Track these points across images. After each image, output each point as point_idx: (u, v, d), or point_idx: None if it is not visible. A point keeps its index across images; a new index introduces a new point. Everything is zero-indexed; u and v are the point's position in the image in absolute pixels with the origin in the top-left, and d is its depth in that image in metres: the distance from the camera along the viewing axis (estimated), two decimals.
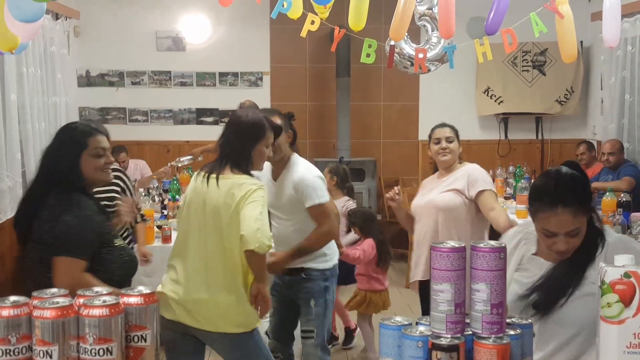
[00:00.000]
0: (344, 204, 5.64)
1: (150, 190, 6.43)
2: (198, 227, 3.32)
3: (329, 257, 3.98)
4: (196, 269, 3.29)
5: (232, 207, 3.21)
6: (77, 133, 3.04)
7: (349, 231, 5.53)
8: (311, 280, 3.89)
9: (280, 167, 3.88)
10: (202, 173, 3.41)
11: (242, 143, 3.36)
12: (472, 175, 4.11)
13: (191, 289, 3.27)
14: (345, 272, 5.15)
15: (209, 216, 3.29)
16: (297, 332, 4.14)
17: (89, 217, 2.92)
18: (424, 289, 4.17)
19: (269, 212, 3.60)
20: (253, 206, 3.17)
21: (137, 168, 7.80)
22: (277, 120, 3.73)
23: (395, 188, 4.23)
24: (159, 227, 5.32)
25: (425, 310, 4.05)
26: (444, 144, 4.19)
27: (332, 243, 4.02)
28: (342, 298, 5.58)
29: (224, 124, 3.59)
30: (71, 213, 2.86)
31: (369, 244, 5.14)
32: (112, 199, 3.94)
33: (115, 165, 4.38)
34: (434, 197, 4.19)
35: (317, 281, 3.90)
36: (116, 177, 4.07)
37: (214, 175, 3.32)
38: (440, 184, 4.23)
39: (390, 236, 7.32)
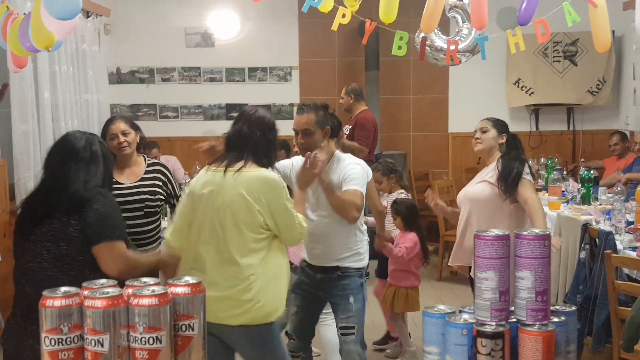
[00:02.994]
0: (397, 196, 5.48)
1: (182, 185, 6.48)
2: (212, 221, 3.24)
3: (363, 256, 3.98)
4: (214, 263, 3.23)
5: (262, 201, 3.19)
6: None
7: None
8: (348, 277, 3.87)
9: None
10: (217, 166, 3.30)
11: (267, 137, 3.34)
12: (499, 165, 4.12)
13: (209, 283, 3.24)
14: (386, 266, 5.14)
15: (227, 210, 3.21)
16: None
17: (114, 202, 3.05)
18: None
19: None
20: (289, 203, 3.23)
21: (169, 164, 7.80)
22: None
23: (429, 191, 4.35)
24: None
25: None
26: (477, 134, 4.25)
27: (366, 245, 4.03)
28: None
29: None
30: (98, 202, 2.91)
31: (412, 240, 5.01)
32: (155, 192, 3.99)
33: (157, 160, 4.45)
34: (469, 188, 4.25)
35: (353, 278, 3.88)
36: (158, 170, 4.09)
37: (235, 169, 3.24)
38: (479, 175, 4.28)
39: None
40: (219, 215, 3.21)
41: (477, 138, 4.24)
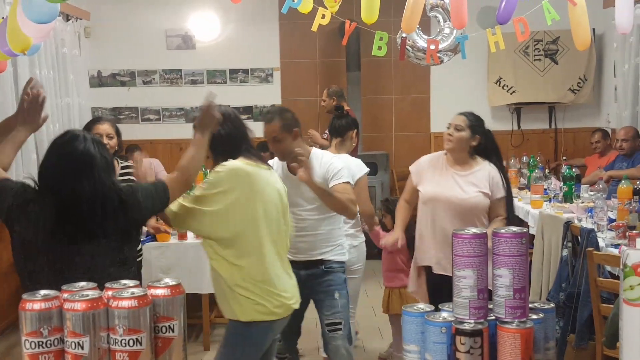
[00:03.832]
0: None
1: None
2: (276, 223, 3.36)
3: (345, 250, 4.06)
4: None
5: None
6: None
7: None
8: (332, 273, 3.94)
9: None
10: (266, 166, 3.40)
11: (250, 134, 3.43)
12: (494, 179, 4.05)
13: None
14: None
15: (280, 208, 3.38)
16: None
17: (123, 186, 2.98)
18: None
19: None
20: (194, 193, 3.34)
21: (151, 167, 7.81)
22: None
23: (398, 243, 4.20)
24: None
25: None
26: (450, 130, 4.10)
27: (344, 240, 4.08)
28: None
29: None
30: (122, 194, 2.80)
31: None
32: None
33: (130, 163, 4.44)
34: (465, 197, 4.04)
35: (337, 273, 3.95)
36: (130, 173, 4.10)
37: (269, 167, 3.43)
38: (460, 179, 4.09)
39: None
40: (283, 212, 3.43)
41: (450, 135, 4.09)
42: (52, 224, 2.62)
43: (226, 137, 3.23)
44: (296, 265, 3.87)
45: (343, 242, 4.06)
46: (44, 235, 2.62)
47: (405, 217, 4.32)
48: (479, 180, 4.05)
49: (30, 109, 2.98)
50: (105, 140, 3.96)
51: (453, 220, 4.01)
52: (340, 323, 3.94)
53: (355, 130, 4.82)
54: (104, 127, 4.01)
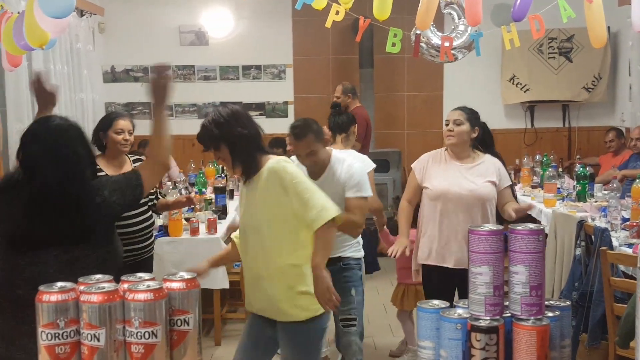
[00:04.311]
0: None
1: (177, 184, 6.48)
2: None
3: (361, 246, 4.09)
4: None
5: None
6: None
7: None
8: (349, 269, 3.97)
9: (322, 166, 3.82)
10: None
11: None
12: (500, 169, 4.11)
13: None
14: (372, 259, 5.13)
15: None
16: None
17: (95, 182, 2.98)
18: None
19: None
20: None
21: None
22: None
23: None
24: (187, 219, 5.35)
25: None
26: (450, 126, 4.09)
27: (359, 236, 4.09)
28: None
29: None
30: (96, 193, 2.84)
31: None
32: None
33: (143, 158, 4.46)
34: (475, 187, 4.03)
35: (354, 270, 3.98)
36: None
37: None
38: (466, 172, 4.09)
39: None
40: None
41: (451, 130, 4.08)
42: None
43: (250, 136, 3.13)
44: None
45: (359, 239, 4.08)
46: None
47: (408, 220, 4.29)
48: (486, 171, 4.08)
49: (39, 93, 3.27)
50: (127, 136, 4.02)
51: (463, 213, 4.02)
52: (354, 319, 3.99)
53: (356, 124, 4.81)
54: (126, 123, 4.05)
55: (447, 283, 3.97)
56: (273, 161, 3.11)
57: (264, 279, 3.12)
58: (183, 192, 6.27)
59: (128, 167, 4.06)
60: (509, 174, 4.22)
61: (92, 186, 2.79)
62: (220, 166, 6.71)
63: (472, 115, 4.13)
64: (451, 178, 4.10)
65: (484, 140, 4.20)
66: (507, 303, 1.82)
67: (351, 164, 3.84)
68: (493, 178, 4.06)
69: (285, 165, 3.09)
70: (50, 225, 2.68)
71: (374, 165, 4.48)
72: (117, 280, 1.80)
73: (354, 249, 4.02)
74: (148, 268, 4.16)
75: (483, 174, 4.06)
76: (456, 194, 4.04)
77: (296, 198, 3.01)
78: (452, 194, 4.05)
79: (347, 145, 4.65)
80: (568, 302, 1.91)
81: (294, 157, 3.89)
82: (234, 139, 3.08)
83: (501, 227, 1.81)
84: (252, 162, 3.12)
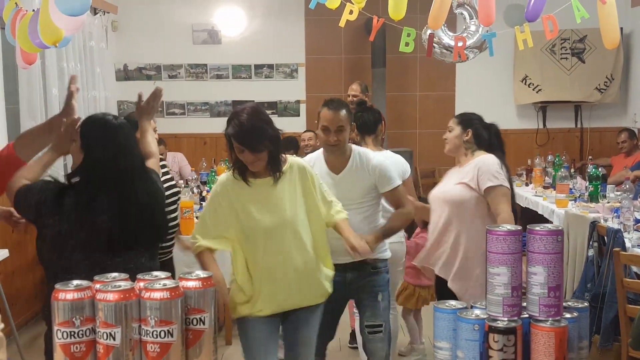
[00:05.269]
0: None
1: (189, 182, 6.48)
2: None
3: (386, 246, 3.92)
4: None
5: None
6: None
7: None
8: (378, 273, 3.82)
9: (344, 160, 3.76)
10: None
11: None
12: (481, 169, 3.85)
13: None
14: None
15: None
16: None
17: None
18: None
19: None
20: None
21: (175, 160, 7.86)
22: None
23: None
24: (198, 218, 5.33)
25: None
26: (445, 134, 4.07)
27: None
28: None
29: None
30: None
31: (422, 238, 4.85)
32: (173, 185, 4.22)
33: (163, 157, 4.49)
34: (448, 189, 3.98)
35: (382, 274, 3.81)
36: (164, 166, 4.12)
37: None
38: (455, 175, 4.01)
39: None
40: None
41: (445, 138, 4.06)
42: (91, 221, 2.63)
43: (279, 137, 3.17)
44: (341, 267, 3.66)
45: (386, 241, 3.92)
46: (79, 229, 2.61)
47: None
48: (465, 172, 3.92)
49: (67, 132, 2.92)
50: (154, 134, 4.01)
51: (446, 219, 3.92)
52: (381, 325, 3.83)
53: (382, 122, 4.74)
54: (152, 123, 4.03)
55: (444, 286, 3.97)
56: (296, 159, 3.29)
57: (300, 272, 3.22)
58: (195, 190, 6.27)
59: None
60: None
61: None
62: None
63: (464, 118, 4.06)
64: (442, 184, 4.10)
65: (490, 141, 4.10)
66: (525, 304, 1.81)
67: (372, 162, 3.75)
68: (466, 179, 3.87)
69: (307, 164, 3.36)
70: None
71: (407, 169, 4.45)
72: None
73: (381, 250, 3.83)
74: (170, 269, 4.14)
75: (463, 177, 3.91)
76: (433, 198, 4.05)
77: (319, 191, 3.30)
78: (431, 199, 4.07)
79: (377, 145, 4.51)
80: (586, 304, 1.90)
81: (307, 157, 3.86)
82: (278, 138, 3.14)
83: (519, 228, 1.80)
84: (281, 161, 3.20)
